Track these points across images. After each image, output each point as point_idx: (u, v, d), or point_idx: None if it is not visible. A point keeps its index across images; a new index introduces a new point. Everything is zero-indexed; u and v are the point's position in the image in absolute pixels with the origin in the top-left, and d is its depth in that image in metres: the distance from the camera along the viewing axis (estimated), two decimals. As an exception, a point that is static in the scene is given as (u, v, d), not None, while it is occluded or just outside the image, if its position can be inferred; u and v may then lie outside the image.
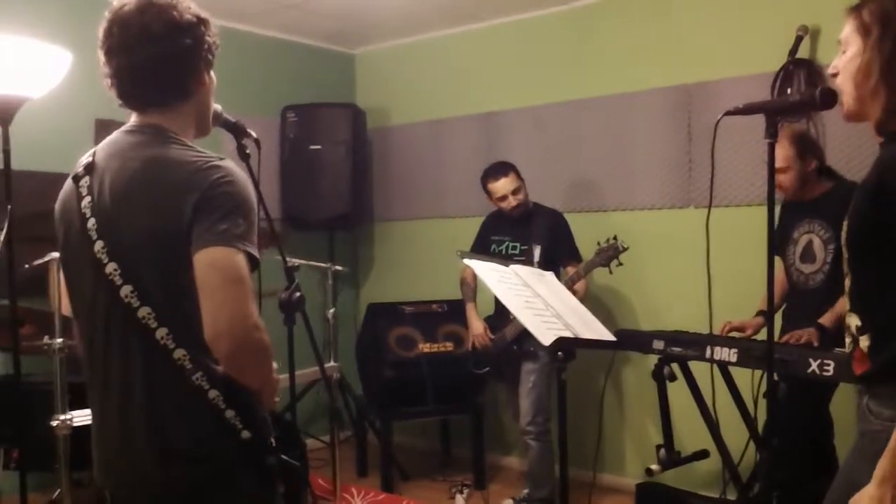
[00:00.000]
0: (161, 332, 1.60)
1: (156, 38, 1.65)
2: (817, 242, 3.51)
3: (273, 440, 1.75)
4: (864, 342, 1.73)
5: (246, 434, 1.66)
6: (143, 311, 1.60)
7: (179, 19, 1.67)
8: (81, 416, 3.11)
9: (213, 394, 1.63)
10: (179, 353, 1.61)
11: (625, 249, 3.97)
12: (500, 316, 4.37)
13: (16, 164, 3.24)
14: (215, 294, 1.53)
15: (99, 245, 1.63)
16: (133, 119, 1.75)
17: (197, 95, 1.76)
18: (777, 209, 3.56)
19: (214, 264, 1.54)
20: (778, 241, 3.67)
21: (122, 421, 1.67)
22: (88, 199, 1.68)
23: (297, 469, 1.83)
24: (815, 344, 3.24)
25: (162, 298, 1.61)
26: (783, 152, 3.45)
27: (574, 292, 3.97)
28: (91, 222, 1.65)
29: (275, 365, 1.81)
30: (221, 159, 1.65)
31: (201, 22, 1.72)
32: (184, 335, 1.60)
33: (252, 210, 1.63)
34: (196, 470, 1.66)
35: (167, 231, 1.58)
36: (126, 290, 1.61)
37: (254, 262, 1.60)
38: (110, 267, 1.62)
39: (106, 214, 1.65)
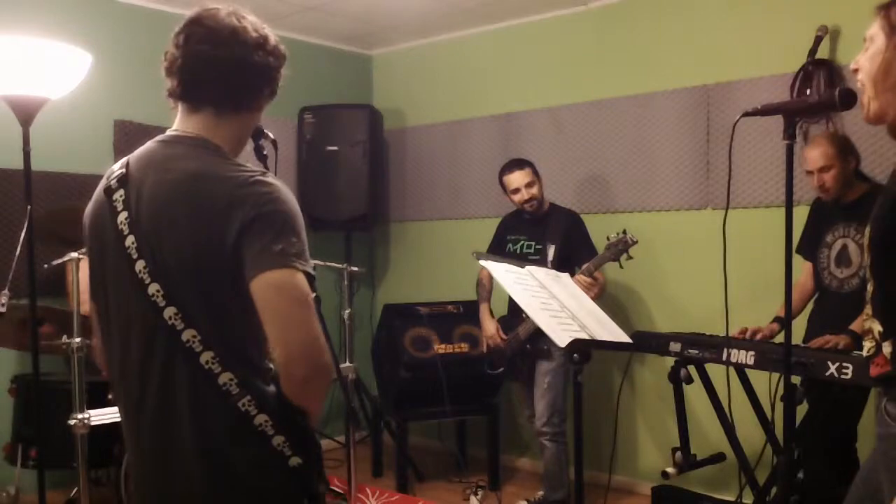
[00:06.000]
0: (206, 356, 1.54)
1: (246, 43, 1.64)
2: (853, 247, 3.45)
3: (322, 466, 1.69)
4: (887, 348, 1.71)
5: (295, 461, 1.60)
6: (188, 335, 1.54)
7: (270, 38, 1.68)
8: (99, 415, 3.14)
9: (260, 419, 1.56)
10: (225, 378, 1.55)
11: (634, 243, 3.95)
12: (513, 316, 4.36)
13: (35, 165, 3.27)
14: (285, 318, 1.50)
15: (140, 265, 1.56)
16: (175, 126, 1.69)
17: (248, 114, 1.72)
18: (801, 210, 3.53)
19: (280, 288, 1.50)
20: (808, 245, 3.64)
21: (164, 449, 1.61)
22: (125, 214, 1.60)
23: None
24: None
25: (207, 320, 1.55)
26: (824, 150, 3.42)
27: (594, 280, 3.96)
28: (129, 240, 1.58)
29: None
30: (264, 173, 1.59)
31: (283, 56, 1.71)
32: (230, 358, 1.55)
33: (302, 225, 1.57)
34: (243, 499, 1.60)
35: (212, 250, 1.52)
36: (170, 312, 1.54)
37: (311, 280, 1.55)
38: (153, 288, 1.55)
39: (146, 232, 1.58)
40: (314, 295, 1.56)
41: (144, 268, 1.56)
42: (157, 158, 1.64)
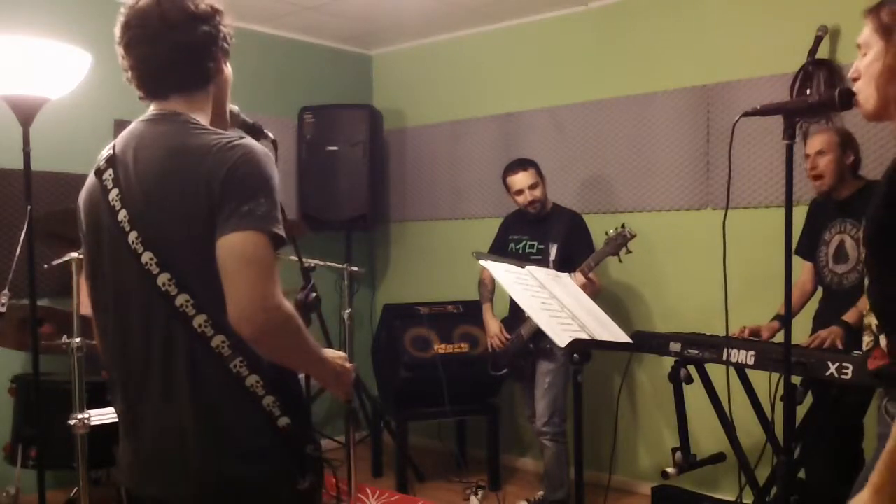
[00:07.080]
0: (199, 320, 1.59)
1: (176, 27, 1.68)
2: (849, 242, 3.47)
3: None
4: (884, 340, 1.70)
5: (284, 421, 1.65)
6: (181, 299, 1.60)
7: (196, 9, 1.71)
8: (99, 415, 3.14)
9: (251, 380, 1.62)
10: (218, 340, 1.60)
11: (633, 236, 3.96)
12: (515, 317, 4.36)
13: (35, 165, 3.27)
14: (233, 278, 1.53)
15: (133, 236, 1.63)
16: (152, 108, 1.76)
17: (215, 82, 1.78)
18: (801, 210, 3.54)
19: (232, 249, 1.54)
20: (808, 245, 3.65)
21: (165, 418, 1.64)
22: (116, 191, 1.67)
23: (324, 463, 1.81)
24: (840, 344, 3.20)
25: (199, 285, 1.60)
26: (827, 137, 3.48)
27: (591, 282, 3.96)
28: (122, 214, 1.65)
29: (341, 353, 1.84)
30: (241, 138, 1.65)
31: (216, 12, 1.75)
32: (222, 320, 1.57)
33: (273, 187, 1.62)
34: (241, 464, 1.63)
35: (199, 217, 1.57)
36: (163, 279, 1.60)
37: (278, 241, 1.59)
38: (146, 256, 1.61)
39: (137, 205, 1.64)
40: (314, 296, 1.57)
41: (137, 238, 1.63)
42: (142, 137, 1.71)
